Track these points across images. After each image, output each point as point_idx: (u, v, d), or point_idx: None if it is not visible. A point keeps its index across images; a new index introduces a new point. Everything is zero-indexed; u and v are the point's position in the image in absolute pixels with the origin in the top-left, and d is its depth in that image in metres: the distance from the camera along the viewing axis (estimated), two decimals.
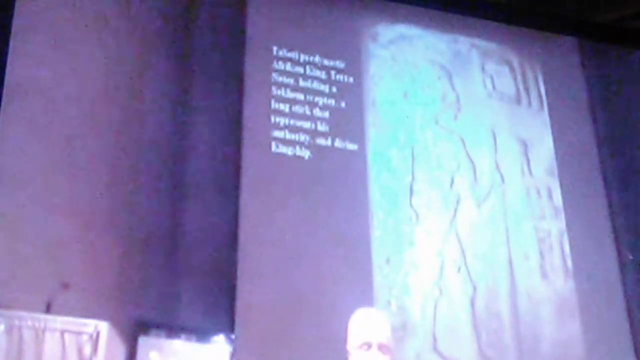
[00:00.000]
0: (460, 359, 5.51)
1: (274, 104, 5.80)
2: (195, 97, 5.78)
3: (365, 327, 3.00)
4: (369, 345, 2.97)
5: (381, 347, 2.97)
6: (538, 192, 6.21)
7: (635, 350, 5.87)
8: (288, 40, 6.03)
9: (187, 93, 5.75)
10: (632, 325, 5.97)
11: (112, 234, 4.78)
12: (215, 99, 5.83)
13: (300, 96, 5.88)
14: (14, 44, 5.05)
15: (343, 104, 5.96)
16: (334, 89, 5.96)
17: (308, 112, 5.84)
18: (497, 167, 6.19)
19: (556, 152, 6.39)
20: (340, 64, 6.07)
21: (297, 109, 5.83)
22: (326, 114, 5.88)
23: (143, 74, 5.46)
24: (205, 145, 5.71)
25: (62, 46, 5.25)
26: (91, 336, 3.91)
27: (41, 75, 5.04)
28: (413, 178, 5.97)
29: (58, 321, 3.87)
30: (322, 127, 5.83)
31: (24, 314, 3.96)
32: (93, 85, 5.15)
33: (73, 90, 5.05)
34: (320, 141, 5.79)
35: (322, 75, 5.98)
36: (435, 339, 5.50)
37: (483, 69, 6.57)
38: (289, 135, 5.74)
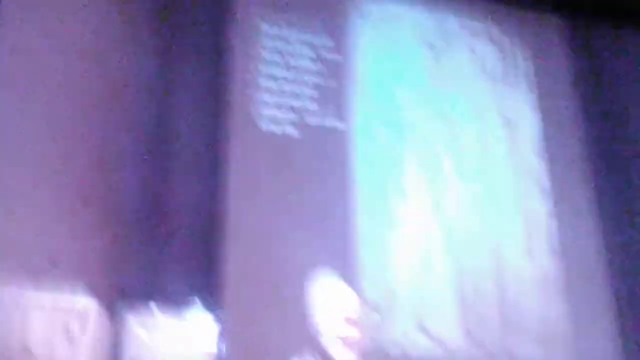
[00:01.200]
0: (446, 337, 5.53)
1: (262, 82, 5.79)
2: (180, 73, 5.76)
3: (332, 298, 3.00)
4: (336, 317, 2.96)
5: (348, 318, 2.97)
6: (525, 172, 6.23)
7: (620, 329, 5.93)
8: (275, 17, 6.00)
9: (171, 69, 5.73)
10: (617, 305, 6.02)
11: (98, 210, 4.77)
12: (200, 76, 5.81)
13: (288, 74, 5.86)
14: None
15: (331, 82, 5.95)
16: (323, 67, 5.95)
17: (297, 91, 5.83)
18: (484, 146, 6.21)
19: (543, 132, 6.41)
20: (328, 42, 6.05)
21: (285, 87, 5.82)
22: (314, 92, 5.87)
23: (126, 49, 5.43)
24: (191, 121, 5.69)
25: (45, 20, 5.22)
26: (78, 313, 3.90)
27: (23, 48, 5.01)
28: (400, 157, 5.98)
29: (45, 298, 3.86)
30: (310, 106, 5.82)
31: (11, 290, 3.95)
32: (75, 59, 5.12)
33: (55, 64, 5.02)
34: (309, 119, 5.78)
35: (311, 53, 5.97)
36: (421, 318, 5.53)
37: (471, 48, 6.58)
38: (276, 114, 5.73)
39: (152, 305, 4.65)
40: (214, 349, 4.60)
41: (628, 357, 5.86)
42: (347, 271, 5.24)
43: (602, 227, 6.23)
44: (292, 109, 5.78)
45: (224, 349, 4.54)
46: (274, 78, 5.83)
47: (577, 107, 6.69)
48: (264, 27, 5.93)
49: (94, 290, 4.15)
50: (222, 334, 4.58)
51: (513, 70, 6.64)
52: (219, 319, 4.71)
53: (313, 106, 5.82)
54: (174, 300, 4.98)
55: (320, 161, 5.73)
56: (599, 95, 6.79)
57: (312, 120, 5.80)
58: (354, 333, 2.91)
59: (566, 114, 6.64)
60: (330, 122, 5.86)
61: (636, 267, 6.16)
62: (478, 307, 5.68)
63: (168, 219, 5.44)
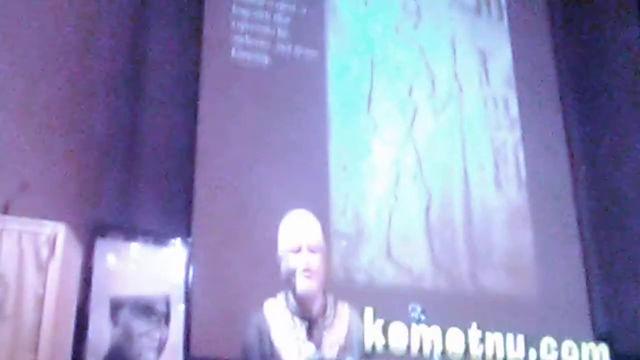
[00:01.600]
0: (414, 266, 5.60)
1: (235, 9, 5.75)
2: (154, 2, 5.73)
3: (294, 230, 3.01)
4: (299, 248, 2.98)
5: (310, 248, 2.99)
6: (495, 103, 6.25)
7: (584, 258, 6.01)
8: None
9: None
10: (582, 235, 6.09)
11: (70, 138, 4.75)
12: (174, 3, 5.77)
13: (260, 1, 5.82)
14: None
15: (304, 11, 5.92)
16: None
17: (268, 17, 5.80)
18: (456, 77, 6.22)
19: (514, 64, 6.42)
20: None
21: (258, 14, 5.78)
22: (287, 20, 5.84)
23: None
24: (165, 50, 5.66)
25: None
26: (49, 237, 3.90)
27: None
28: (371, 87, 5.98)
29: (16, 222, 3.86)
30: (282, 33, 5.80)
31: None
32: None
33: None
34: (280, 47, 5.77)
35: None
36: (389, 247, 5.58)
37: None
38: (249, 41, 5.71)
39: (123, 231, 4.67)
40: (182, 276, 4.63)
41: (591, 285, 5.95)
42: (318, 201, 5.28)
43: (569, 158, 6.28)
44: (265, 36, 5.76)
45: (192, 275, 4.57)
46: (248, 5, 5.80)
47: (549, 39, 6.69)
48: None
49: (65, 216, 4.15)
50: (191, 261, 4.62)
51: (486, 1, 6.62)
52: (189, 247, 4.74)
53: (285, 34, 5.81)
54: (145, 227, 4.99)
55: (293, 92, 5.73)
56: (573, 27, 6.79)
57: (285, 49, 5.78)
58: (316, 263, 2.94)
59: (539, 46, 6.64)
60: (303, 51, 5.85)
61: (602, 197, 6.22)
62: (445, 236, 5.74)
63: (140, 147, 5.44)
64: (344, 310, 3.08)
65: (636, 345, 5.54)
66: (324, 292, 3.03)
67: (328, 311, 3.02)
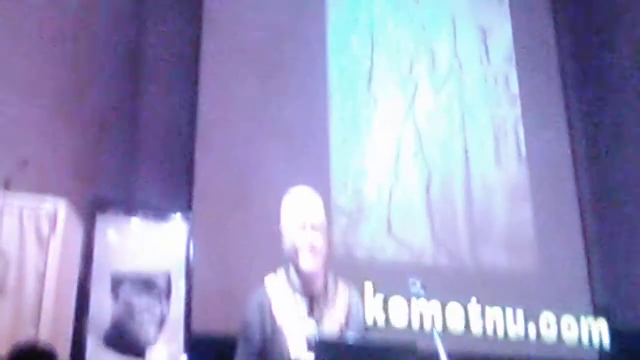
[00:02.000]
0: (414, 242, 5.61)
1: None
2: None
3: (297, 206, 3.00)
4: (302, 225, 2.98)
5: (314, 227, 2.98)
6: (495, 80, 6.24)
7: (583, 234, 6.01)
8: None
9: None
10: (581, 210, 6.09)
11: (71, 114, 4.75)
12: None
13: None
14: None
15: None
16: None
17: None
18: (456, 53, 6.20)
19: (515, 41, 6.40)
20: None
21: None
22: None
23: None
24: (165, 26, 5.66)
25: None
26: (49, 213, 3.91)
27: None
28: (372, 63, 5.98)
29: (16, 198, 3.86)
30: (282, 10, 5.79)
31: None
32: None
33: None
34: (281, 24, 5.76)
35: None
36: (389, 223, 5.59)
37: None
38: (249, 18, 5.70)
39: (123, 206, 4.67)
40: (183, 252, 4.64)
41: (591, 262, 5.96)
42: (318, 177, 5.29)
43: (569, 134, 6.27)
44: (266, 12, 5.76)
45: (192, 250, 4.57)
46: None
47: (549, 15, 6.66)
48: None
49: (66, 192, 4.15)
50: (192, 236, 4.61)
51: None
52: (189, 223, 4.74)
53: (286, 11, 5.81)
54: (145, 202, 5.00)
55: (294, 68, 5.72)
56: (573, 4, 6.76)
57: (285, 26, 5.78)
58: (319, 241, 2.94)
59: (539, 23, 6.61)
60: (303, 27, 5.84)
61: (601, 174, 6.21)
62: (446, 213, 5.74)
63: (141, 122, 5.44)
64: (344, 288, 3.08)
65: (635, 320, 5.56)
66: (325, 270, 3.04)
67: (329, 288, 3.02)
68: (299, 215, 3.02)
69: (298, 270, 2.96)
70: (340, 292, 3.05)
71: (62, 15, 4.81)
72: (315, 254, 2.94)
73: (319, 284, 3.00)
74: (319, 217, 3.03)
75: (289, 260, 2.99)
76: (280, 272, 3.04)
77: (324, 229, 3.03)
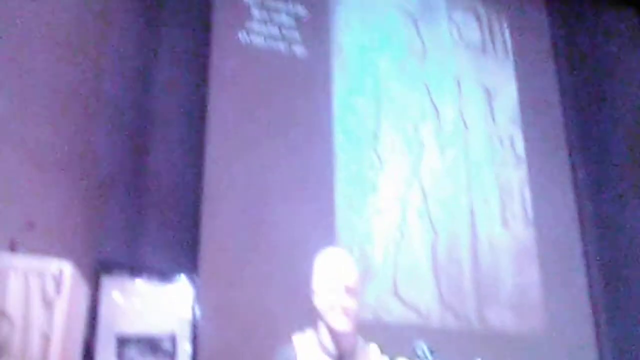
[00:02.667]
0: (420, 304, 5.59)
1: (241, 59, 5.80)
2: (163, 43, 5.75)
3: (333, 269, 3.01)
4: (337, 288, 2.99)
5: (349, 291, 2.99)
6: (501, 141, 6.27)
7: (591, 296, 5.98)
8: None
9: (152, 31, 5.72)
10: (589, 273, 6.07)
11: (75, 174, 4.76)
12: (182, 45, 5.80)
13: (268, 41, 5.86)
14: None
15: (310, 50, 5.94)
16: (301, 35, 5.94)
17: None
18: (461, 114, 6.24)
19: (520, 101, 6.45)
20: (308, 11, 6.03)
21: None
22: (293, 61, 5.88)
23: (105, 15, 5.40)
24: (172, 85, 5.68)
25: None
26: (54, 276, 3.90)
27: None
28: (377, 124, 6.00)
29: (22, 260, 3.86)
30: (289, 71, 5.83)
31: None
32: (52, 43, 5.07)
33: (29, 27, 4.96)
34: (288, 83, 5.79)
35: (291, 21, 5.95)
36: (395, 284, 5.57)
37: (449, 17, 6.59)
38: (257, 75, 5.74)
39: (128, 268, 4.66)
40: (189, 314, 4.62)
41: (598, 324, 5.92)
42: (324, 238, 5.28)
43: (575, 196, 6.28)
44: (272, 79, 5.79)
45: (198, 313, 4.56)
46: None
47: (554, 77, 6.72)
48: None
49: (71, 254, 4.15)
50: (197, 298, 4.60)
51: (491, 39, 6.66)
52: (195, 284, 4.72)
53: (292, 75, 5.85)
54: (150, 263, 4.99)
55: (299, 131, 5.74)
56: (577, 66, 6.81)
57: (292, 89, 5.82)
58: (353, 304, 2.95)
59: (544, 84, 6.67)
60: (309, 90, 5.88)
61: (608, 236, 6.21)
62: (452, 274, 5.72)
63: (146, 182, 5.44)
64: (373, 352, 3.09)
65: None
66: (355, 332, 3.05)
67: (358, 351, 3.03)
68: (334, 276, 3.04)
69: (330, 331, 2.98)
70: (369, 355, 3.07)
71: (69, 74, 4.84)
72: (348, 316, 2.96)
73: (349, 346, 3.01)
74: (354, 279, 3.06)
75: (319, 320, 3.01)
76: (310, 332, 3.05)
77: (357, 291, 3.05)
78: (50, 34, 4.84)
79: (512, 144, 6.28)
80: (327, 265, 3.08)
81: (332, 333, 2.96)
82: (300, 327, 3.05)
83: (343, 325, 2.93)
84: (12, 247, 3.99)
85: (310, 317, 3.00)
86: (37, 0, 4.82)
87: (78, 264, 4.08)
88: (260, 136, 5.57)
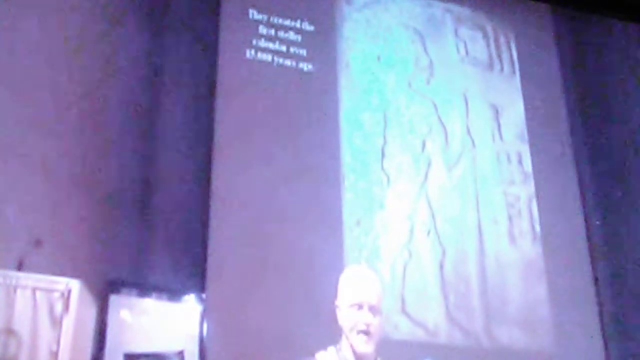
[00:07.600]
0: (428, 321, 5.57)
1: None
2: (169, 60, 5.76)
3: (358, 286, 3.03)
4: (360, 306, 3.00)
5: (372, 309, 3.00)
6: (508, 157, 6.26)
7: (600, 313, 5.96)
8: (264, 3, 5.99)
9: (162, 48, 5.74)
10: (597, 290, 6.05)
11: (82, 193, 4.77)
12: (188, 63, 5.81)
13: (275, 58, 5.87)
14: None
15: (316, 67, 5.95)
16: (308, 52, 5.95)
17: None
18: (468, 131, 6.23)
19: (527, 118, 6.44)
20: (314, 27, 6.05)
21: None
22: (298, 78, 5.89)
23: (114, 30, 5.41)
24: (178, 100, 5.68)
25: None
26: (62, 294, 3.92)
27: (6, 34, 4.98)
28: (385, 141, 5.99)
29: (30, 279, 3.87)
30: (296, 89, 5.83)
31: None
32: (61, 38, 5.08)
33: (39, 39, 4.97)
34: (295, 101, 5.79)
35: (298, 38, 5.96)
36: (404, 301, 5.56)
37: (456, 33, 6.59)
38: (263, 93, 5.74)
39: (136, 287, 4.66)
40: (197, 333, 4.62)
41: (608, 341, 5.90)
42: (332, 257, 5.27)
43: (583, 212, 6.27)
44: (280, 94, 5.80)
45: (206, 332, 4.56)
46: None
47: (561, 93, 6.72)
48: (253, 13, 5.93)
49: (79, 272, 4.16)
50: (205, 317, 4.60)
51: (498, 56, 6.66)
52: (203, 303, 4.73)
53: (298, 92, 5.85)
54: (158, 282, 4.99)
55: (307, 149, 5.73)
56: (584, 82, 6.81)
57: (299, 107, 5.82)
58: (376, 324, 2.96)
59: (550, 100, 6.66)
60: (315, 108, 5.88)
61: (616, 251, 6.19)
62: (460, 291, 5.70)
63: (153, 201, 5.45)
64: None
65: None
66: (377, 351, 3.06)
67: None
68: (358, 294, 3.06)
69: (353, 349, 2.99)
70: None
71: (70, 91, 4.86)
72: (371, 334, 2.98)
73: None
74: (378, 299, 3.07)
75: (342, 336, 3.03)
76: (331, 349, 3.06)
77: (380, 310, 3.07)
78: (59, 49, 4.87)
79: (520, 161, 6.27)
80: (353, 282, 3.10)
81: (357, 353, 2.98)
82: (314, 345, 3.06)
83: (365, 347, 2.95)
84: (20, 266, 4.00)
85: (326, 334, 3.02)
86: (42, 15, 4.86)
87: (86, 282, 4.09)
88: (267, 154, 5.57)
